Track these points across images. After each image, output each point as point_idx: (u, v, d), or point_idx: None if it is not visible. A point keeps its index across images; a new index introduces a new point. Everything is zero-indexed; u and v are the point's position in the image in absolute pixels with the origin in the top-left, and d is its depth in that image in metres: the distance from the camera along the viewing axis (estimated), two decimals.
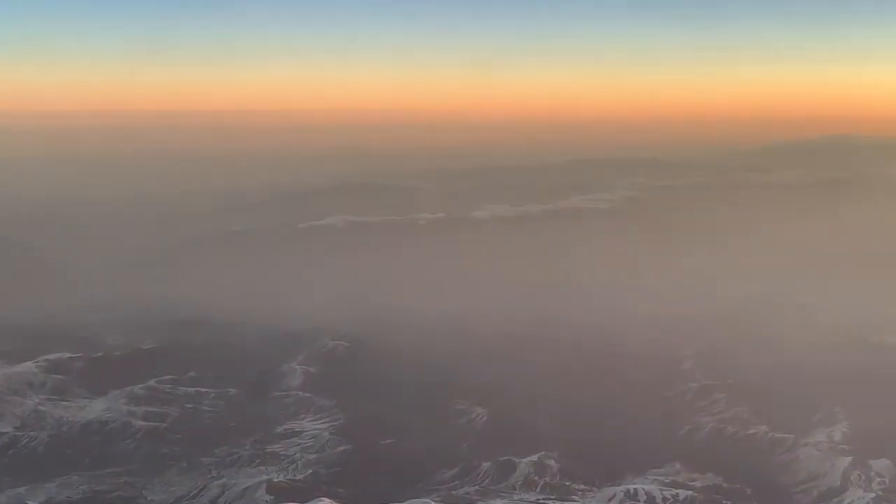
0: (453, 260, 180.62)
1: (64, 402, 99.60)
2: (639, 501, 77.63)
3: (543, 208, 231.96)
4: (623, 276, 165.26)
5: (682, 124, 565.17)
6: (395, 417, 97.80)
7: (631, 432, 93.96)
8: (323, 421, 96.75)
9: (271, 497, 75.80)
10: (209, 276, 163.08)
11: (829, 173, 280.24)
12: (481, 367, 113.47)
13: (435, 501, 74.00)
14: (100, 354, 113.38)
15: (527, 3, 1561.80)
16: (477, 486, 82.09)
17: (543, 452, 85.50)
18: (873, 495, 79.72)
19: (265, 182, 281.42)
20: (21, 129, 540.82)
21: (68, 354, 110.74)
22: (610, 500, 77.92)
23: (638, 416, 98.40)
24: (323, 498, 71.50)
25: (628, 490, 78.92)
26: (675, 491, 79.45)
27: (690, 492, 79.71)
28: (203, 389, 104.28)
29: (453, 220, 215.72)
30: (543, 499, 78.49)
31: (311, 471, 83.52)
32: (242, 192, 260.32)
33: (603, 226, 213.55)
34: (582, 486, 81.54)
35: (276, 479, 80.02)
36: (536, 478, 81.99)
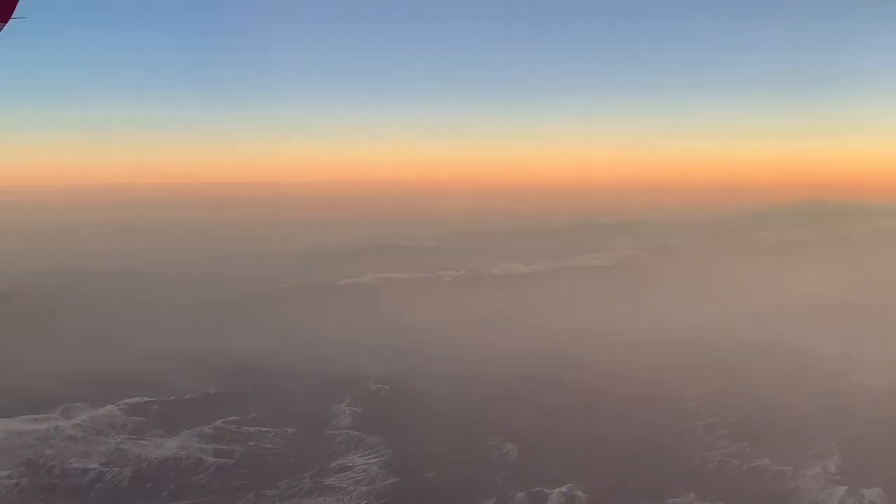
0: (476, 311, 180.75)
1: (143, 441, 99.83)
2: None
3: (553, 266, 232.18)
4: (627, 324, 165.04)
5: (672, 192, 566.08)
6: (434, 453, 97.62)
7: (647, 465, 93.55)
8: (372, 456, 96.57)
9: None
10: (261, 328, 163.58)
11: (806, 234, 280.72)
12: (507, 407, 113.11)
13: None
14: (172, 398, 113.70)
15: (531, 91, 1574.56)
16: None
17: (571, 484, 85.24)
18: None
19: (305, 245, 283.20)
20: (91, 199, 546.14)
21: (145, 398, 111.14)
22: None
23: (652, 450, 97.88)
24: None
25: None
26: None
27: None
28: (264, 429, 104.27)
29: (474, 277, 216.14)
30: None
31: (364, 502, 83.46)
32: (286, 254, 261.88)
33: (606, 281, 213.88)
34: None
35: None
36: None
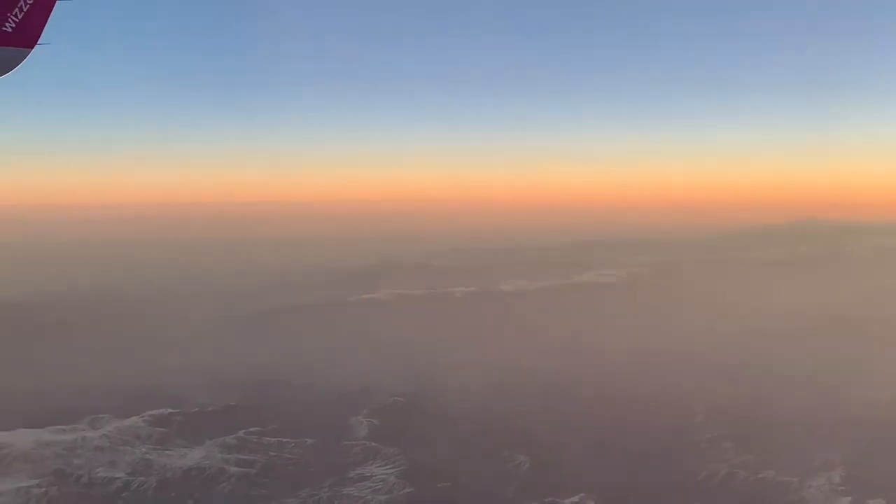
0: (486, 326, 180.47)
1: (167, 452, 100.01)
2: None
3: (560, 282, 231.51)
4: (633, 340, 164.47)
5: (675, 211, 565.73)
6: (449, 463, 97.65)
7: (656, 476, 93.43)
8: (388, 466, 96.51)
9: None
10: (278, 343, 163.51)
11: (807, 251, 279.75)
12: (519, 419, 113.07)
13: None
14: (195, 410, 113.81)
15: (540, 109, 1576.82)
16: None
17: (583, 494, 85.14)
18: None
19: (321, 262, 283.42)
20: (114, 217, 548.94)
21: (169, 410, 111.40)
22: None
23: (660, 462, 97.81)
24: None
25: None
26: None
27: None
28: (284, 439, 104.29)
29: (483, 293, 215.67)
30: None
31: None
32: (303, 271, 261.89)
33: (613, 297, 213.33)
34: None
35: None
36: None
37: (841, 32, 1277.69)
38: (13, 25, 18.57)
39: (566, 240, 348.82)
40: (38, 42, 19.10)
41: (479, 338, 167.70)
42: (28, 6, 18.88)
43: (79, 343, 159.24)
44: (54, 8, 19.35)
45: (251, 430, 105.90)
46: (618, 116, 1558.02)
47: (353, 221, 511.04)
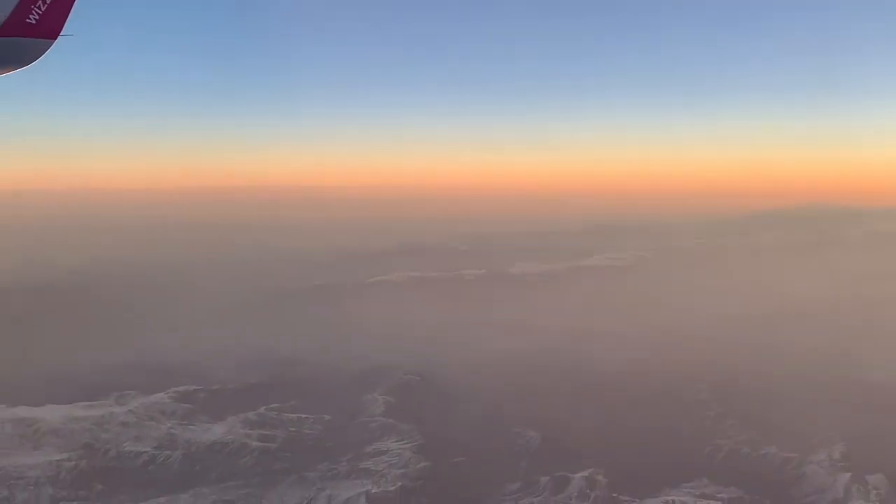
0: (496, 308, 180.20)
1: (191, 427, 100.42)
2: None
3: (567, 265, 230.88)
4: (638, 321, 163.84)
5: (677, 196, 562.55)
6: (462, 439, 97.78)
7: (662, 452, 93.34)
8: (404, 442, 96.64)
9: None
10: (297, 323, 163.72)
11: (807, 236, 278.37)
12: (529, 397, 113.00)
13: None
14: (217, 387, 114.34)
15: (546, 98, 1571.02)
16: (539, 498, 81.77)
17: (593, 469, 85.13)
18: None
19: (337, 245, 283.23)
20: (138, 200, 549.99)
21: (193, 387, 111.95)
22: None
23: (667, 438, 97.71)
24: None
25: (667, 501, 78.36)
26: (706, 502, 78.75)
27: (719, 503, 78.92)
28: (303, 416, 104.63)
29: (493, 275, 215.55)
30: None
31: (400, 484, 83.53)
32: (319, 254, 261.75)
33: (618, 279, 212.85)
34: (627, 498, 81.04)
35: (373, 490, 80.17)
36: (588, 490, 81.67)
37: (841, 21, 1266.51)
38: (37, 17, 18.53)
39: (573, 225, 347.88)
40: (61, 33, 19.03)
41: (489, 318, 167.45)
42: None
43: (105, 323, 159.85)
44: (77, 0, 19.22)
45: (272, 406, 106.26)
46: (624, 104, 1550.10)
47: (370, 207, 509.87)
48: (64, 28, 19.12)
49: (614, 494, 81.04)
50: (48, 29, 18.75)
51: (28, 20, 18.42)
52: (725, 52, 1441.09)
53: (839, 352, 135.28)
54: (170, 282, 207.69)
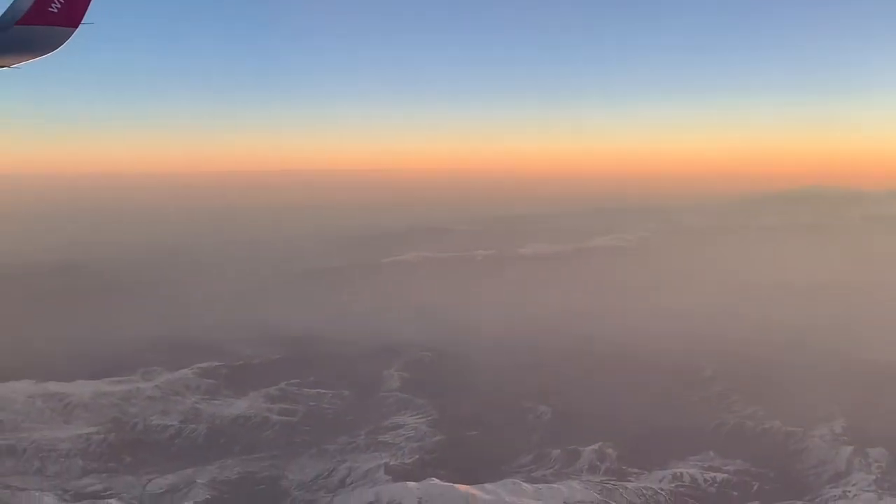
0: (506, 287, 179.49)
1: (215, 401, 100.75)
2: (684, 483, 76.64)
3: (574, 246, 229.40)
4: (644, 300, 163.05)
5: (680, 179, 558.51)
6: (476, 413, 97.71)
7: (670, 427, 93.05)
8: (420, 416, 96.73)
9: (389, 477, 75.82)
10: (316, 302, 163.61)
11: (806, 218, 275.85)
12: (540, 374, 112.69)
13: (521, 481, 73.47)
14: (240, 363, 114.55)
15: (554, 86, 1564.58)
16: (551, 470, 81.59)
17: (602, 442, 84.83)
18: (874, 477, 78.91)
19: (354, 227, 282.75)
20: (162, 185, 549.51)
21: (216, 363, 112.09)
22: (661, 481, 77.11)
23: (674, 413, 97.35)
24: (433, 478, 71.23)
25: (675, 473, 78.02)
26: (712, 474, 78.59)
27: (725, 475, 78.66)
28: (322, 391, 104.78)
29: (503, 256, 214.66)
30: (606, 480, 77.67)
31: (417, 456, 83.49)
32: (336, 235, 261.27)
33: (624, 260, 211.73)
34: (636, 470, 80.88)
35: (391, 463, 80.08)
36: (598, 463, 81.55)
37: (840, 4, 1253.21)
38: (59, 6, 18.53)
39: (580, 207, 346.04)
40: (83, 21, 18.88)
41: (499, 297, 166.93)
42: None
43: (131, 302, 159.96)
44: None
45: (292, 381, 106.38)
46: (629, 91, 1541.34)
47: (386, 189, 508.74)
48: (85, 17, 18.93)
49: (623, 467, 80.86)
50: (70, 17, 18.67)
51: (50, 9, 18.43)
52: (726, 37, 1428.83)
53: (840, 330, 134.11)
54: (193, 263, 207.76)
